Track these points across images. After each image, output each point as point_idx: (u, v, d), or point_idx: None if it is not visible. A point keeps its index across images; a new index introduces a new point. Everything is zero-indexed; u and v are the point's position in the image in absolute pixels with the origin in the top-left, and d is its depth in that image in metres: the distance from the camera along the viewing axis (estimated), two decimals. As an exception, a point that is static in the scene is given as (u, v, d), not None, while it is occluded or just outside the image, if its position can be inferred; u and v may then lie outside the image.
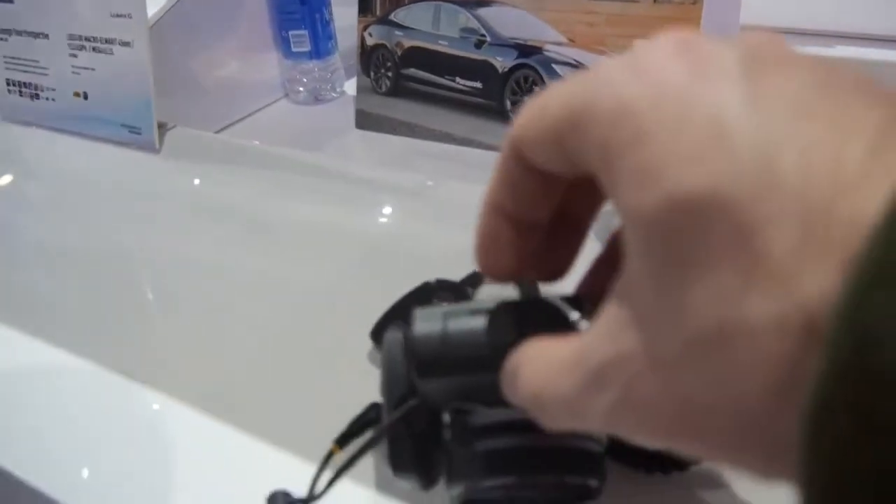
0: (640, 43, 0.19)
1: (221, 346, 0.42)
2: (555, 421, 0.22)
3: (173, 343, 0.44)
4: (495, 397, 0.25)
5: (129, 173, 0.63)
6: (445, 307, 0.26)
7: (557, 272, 0.27)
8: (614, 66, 0.19)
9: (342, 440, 0.33)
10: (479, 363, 0.24)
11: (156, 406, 0.38)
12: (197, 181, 0.61)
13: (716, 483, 0.31)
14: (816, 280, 0.14)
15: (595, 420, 0.20)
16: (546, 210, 0.24)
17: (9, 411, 0.39)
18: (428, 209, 0.53)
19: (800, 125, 0.15)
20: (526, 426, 0.26)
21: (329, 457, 0.32)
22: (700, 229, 0.16)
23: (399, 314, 0.38)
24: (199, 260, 0.51)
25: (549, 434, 0.26)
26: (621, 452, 0.31)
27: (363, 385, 0.36)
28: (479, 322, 0.25)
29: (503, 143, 0.23)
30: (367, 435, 0.33)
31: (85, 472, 0.35)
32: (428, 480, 0.29)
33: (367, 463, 0.33)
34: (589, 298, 0.24)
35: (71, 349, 0.43)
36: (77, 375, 0.41)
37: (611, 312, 0.19)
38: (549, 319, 0.24)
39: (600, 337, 0.19)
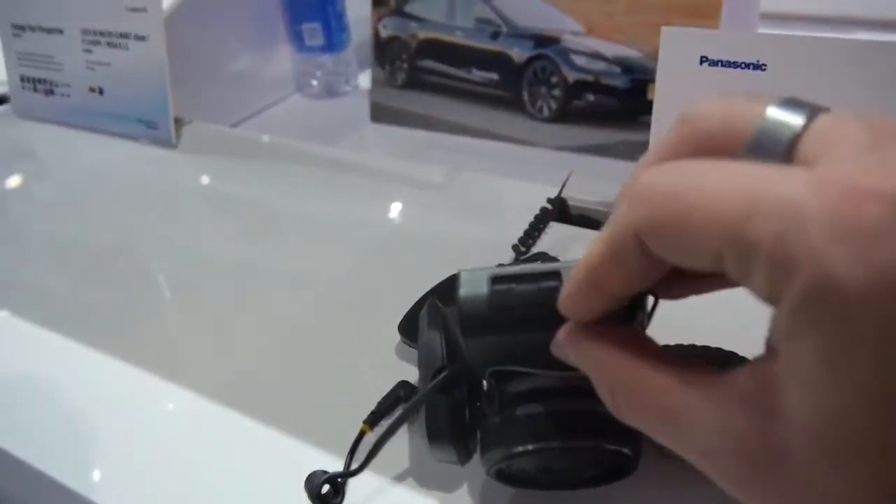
0: (851, 169, 0.17)
1: (247, 342, 0.42)
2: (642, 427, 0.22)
3: (196, 338, 0.43)
4: (535, 358, 0.25)
5: (146, 168, 0.63)
6: (491, 269, 0.26)
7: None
8: (818, 210, 0.17)
9: (372, 420, 0.33)
10: (523, 322, 0.25)
11: (180, 402, 0.38)
12: (215, 175, 0.61)
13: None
14: None
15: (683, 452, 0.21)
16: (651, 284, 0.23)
17: (29, 405, 0.39)
18: (448, 201, 0.53)
19: None
20: (562, 393, 0.27)
21: (361, 436, 0.32)
22: None
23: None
24: (219, 253, 0.51)
25: (584, 401, 0.26)
26: None
27: (392, 379, 0.36)
28: (525, 283, 0.25)
29: (615, 229, 0.21)
30: (398, 412, 0.34)
31: (111, 467, 0.35)
32: (464, 452, 0.29)
33: (403, 450, 0.33)
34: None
35: (88, 343, 0.42)
36: (99, 370, 0.41)
37: (769, 379, 0.19)
38: None
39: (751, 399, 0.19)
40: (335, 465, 0.32)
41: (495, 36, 0.68)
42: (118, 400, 0.39)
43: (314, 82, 0.82)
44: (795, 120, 0.19)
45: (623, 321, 0.24)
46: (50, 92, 0.69)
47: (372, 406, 0.34)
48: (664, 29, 0.38)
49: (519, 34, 0.67)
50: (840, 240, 0.16)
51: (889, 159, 0.17)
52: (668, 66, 0.39)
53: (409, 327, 0.37)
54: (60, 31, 0.66)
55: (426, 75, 0.73)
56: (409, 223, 0.52)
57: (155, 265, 0.52)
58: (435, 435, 0.29)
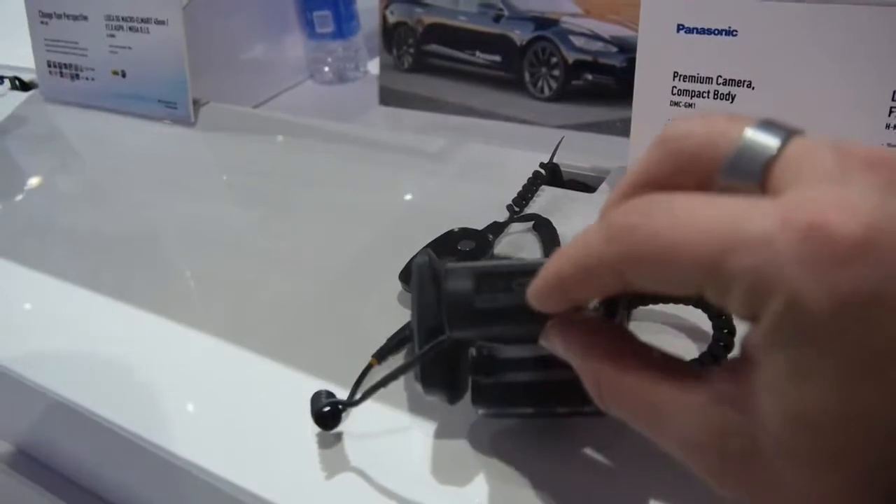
0: (817, 205, 0.18)
1: (266, 294, 0.45)
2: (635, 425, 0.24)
3: (218, 294, 0.47)
4: (518, 342, 0.28)
5: (167, 145, 0.66)
6: (475, 264, 0.28)
7: None
8: (788, 245, 0.18)
9: (380, 354, 0.36)
10: (505, 317, 0.27)
11: (208, 347, 0.42)
12: (230, 149, 0.64)
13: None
14: None
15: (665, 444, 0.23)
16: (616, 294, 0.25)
17: (75, 352, 0.43)
18: (451, 168, 0.56)
19: None
20: (545, 362, 0.29)
21: (368, 368, 0.35)
22: None
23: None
24: (236, 221, 0.54)
25: (565, 370, 0.28)
26: None
27: (394, 323, 0.39)
28: (507, 281, 0.27)
29: (590, 257, 0.22)
30: (402, 352, 0.37)
31: (157, 406, 0.38)
32: (454, 396, 0.31)
33: (400, 384, 0.36)
34: None
35: (120, 302, 0.46)
36: (131, 325, 0.44)
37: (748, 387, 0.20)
38: None
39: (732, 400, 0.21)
40: (340, 394, 0.35)
41: (497, 19, 0.71)
42: (154, 346, 0.42)
43: (325, 68, 0.85)
44: (771, 142, 0.21)
45: (605, 316, 0.26)
46: (76, 76, 0.73)
47: (374, 345, 0.37)
48: (644, -1, 0.41)
49: (520, 17, 0.70)
50: (808, 271, 0.18)
51: (851, 192, 0.19)
52: (648, 34, 0.42)
53: (408, 276, 0.41)
54: (85, 18, 0.70)
55: (432, 59, 0.76)
56: (413, 187, 0.55)
57: (180, 229, 0.55)
58: (428, 383, 0.31)
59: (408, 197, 0.54)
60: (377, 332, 0.38)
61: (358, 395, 0.33)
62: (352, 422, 0.34)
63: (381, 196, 0.54)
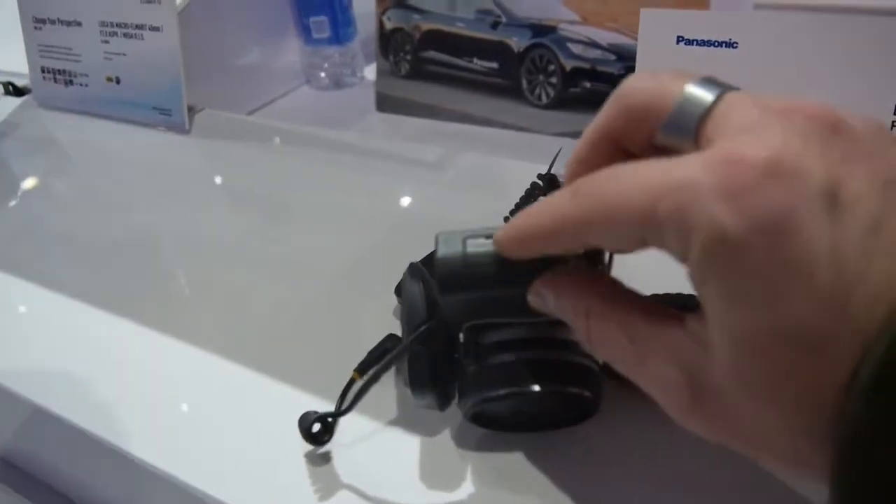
0: (732, 147, 0.20)
1: (257, 306, 0.45)
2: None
3: (209, 305, 0.46)
4: (507, 310, 0.28)
5: (161, 153, 0.66)
6: (466, 231, 0.29)
7: None
8: (706, 183, 0.19)
9: (361, 368, 0.35)
10: (495, 279, 0.27)
11: (198, 359, 0.41)
12: (225, 157, 0.64)
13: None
14: None
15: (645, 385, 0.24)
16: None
17: (63, 362, 0.42)
18: (448, 179, 0.55)
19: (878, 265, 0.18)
20: (530, 344, 0.30)
21: (351, 382, 0.34)
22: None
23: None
24: (230, 231, 0.54)
25: (549, 350, 0.29)
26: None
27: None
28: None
29: (556, 219, 0.24)
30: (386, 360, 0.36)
31: (137, 419, 0.38)
32: (443, 399, 0.31)
33: (390, 398, 0.36)
34: None
35: (111, 312, 0.45)
36: (121, 335, 0.44)
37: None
38: None
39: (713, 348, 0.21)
40: (331, 409, 0.34)
41: (495, 26, 0.71)
42: (144, 356, 0.42)
43: (322, 74, 0.84)
44: (706, 98, 0.22)
45: (588, 266, 0.27)
46: (69, 82, 0.72)
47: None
48: (643, 10, 0.41)
49: (517, 24, 0.69)
50: (724, 202, 0.19)
51: (763, 136, 0.20)
52: (648, 46, 0.41)
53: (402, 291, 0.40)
54: (79, 24, 0.69)
55: (429, 65, 0.76)
56: (410, 197, 0.55)
57: (174, 238, 0.55)
58: (416, 383, 0.31)
59: (405, 207, 0.54)
60: (372, 343, 0.38)
61: (345, 406, 0.33)
62: (341, 436, 0.34)
63: (378, 206, 0.54)
